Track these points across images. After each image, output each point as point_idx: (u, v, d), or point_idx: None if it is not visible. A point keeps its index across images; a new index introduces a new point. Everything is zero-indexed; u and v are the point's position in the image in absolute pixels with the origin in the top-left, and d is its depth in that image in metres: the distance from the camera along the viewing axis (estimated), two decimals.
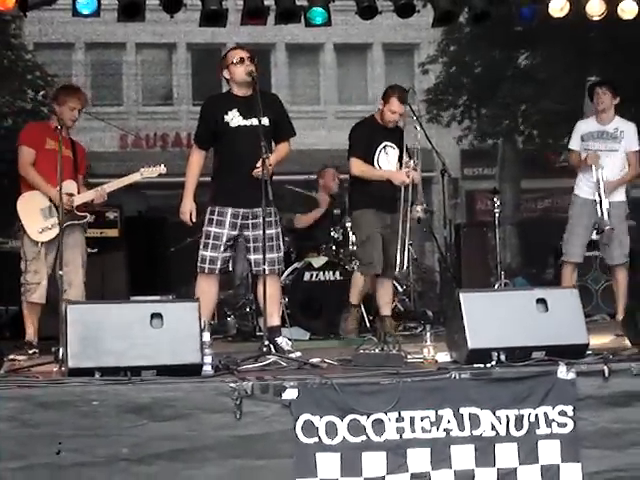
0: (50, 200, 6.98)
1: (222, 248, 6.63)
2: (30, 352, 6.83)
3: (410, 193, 7.72)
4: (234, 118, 6.62)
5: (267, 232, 6.39)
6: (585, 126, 8.05)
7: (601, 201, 7.69)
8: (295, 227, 9.62)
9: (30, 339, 7.02)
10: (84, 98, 7.32)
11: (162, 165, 7.24)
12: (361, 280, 8.15)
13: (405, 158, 7.82)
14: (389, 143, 7.91)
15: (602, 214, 7.68)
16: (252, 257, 6.65)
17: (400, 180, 7.72)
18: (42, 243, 6.96)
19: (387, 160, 7.89)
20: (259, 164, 6.29)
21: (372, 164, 7.86)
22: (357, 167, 7.84)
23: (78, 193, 7.16)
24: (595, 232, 7.82)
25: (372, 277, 8.07)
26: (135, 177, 7.22)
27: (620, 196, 7.90)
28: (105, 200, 7.26)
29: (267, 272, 6.31)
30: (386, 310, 8.09)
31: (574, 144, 8.07)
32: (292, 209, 9.69)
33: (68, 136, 7.17)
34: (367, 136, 7.91)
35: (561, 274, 8.07)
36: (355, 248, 8.61)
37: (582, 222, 7.88)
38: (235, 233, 6.66)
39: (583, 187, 7.92)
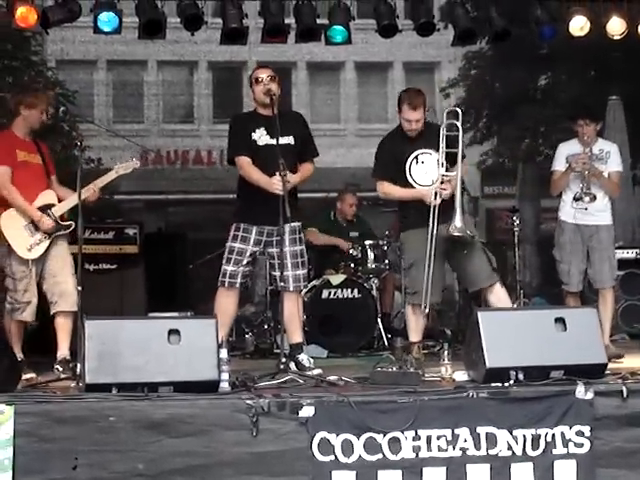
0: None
1: (244, 262, 6.70)
2: None
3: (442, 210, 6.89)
4: (261, 137, 6.66)
5: (292, 249, 6.63)
6: (569, 148, 7.75)
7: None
8: (310, 242, 9.55)
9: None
10: (51, 98, 6.94)
11: (135, 159, 6.99)
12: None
13: (440, 171, 6.94)
14: (423, 150, 7.02)
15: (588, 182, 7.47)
16: (277, 274, 6.67)
17: (427, 200, 6.90)
18: (32, 260, 6.62)
19: (423, 170, 7.01)
20: (276, 179, 6.35)
21: (405, 180, 7.05)
22: (381, 189, 7.15)
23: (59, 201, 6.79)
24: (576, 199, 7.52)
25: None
26: (111, 176, 6.86)
27: (608, 220, 7.73)
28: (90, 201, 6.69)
29: (292, 289, 6.62)
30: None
31: (559, 165, 7.75)
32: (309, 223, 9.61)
33: (30, 139, 6.83)
34: (391, 151, 7.13)
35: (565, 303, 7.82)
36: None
37: (577, 249, 7.64)
38: (257, 249, 6.74)
39: (570, 210, 7.67)
